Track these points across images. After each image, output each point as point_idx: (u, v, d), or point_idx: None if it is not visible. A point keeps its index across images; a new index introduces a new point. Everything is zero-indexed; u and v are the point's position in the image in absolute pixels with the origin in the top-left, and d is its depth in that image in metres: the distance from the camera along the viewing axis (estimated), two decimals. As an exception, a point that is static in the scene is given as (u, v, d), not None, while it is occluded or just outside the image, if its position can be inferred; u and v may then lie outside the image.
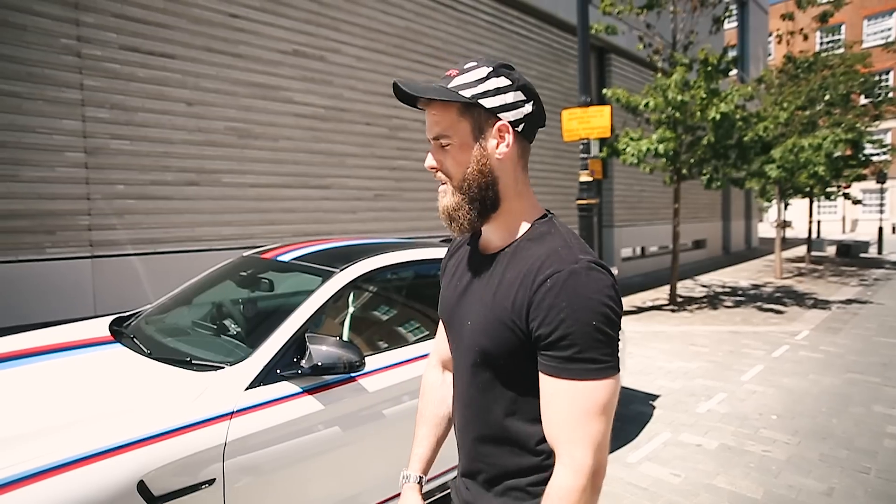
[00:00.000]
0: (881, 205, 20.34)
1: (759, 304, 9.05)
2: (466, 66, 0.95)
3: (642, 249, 12.77)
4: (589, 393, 0.85)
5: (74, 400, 1.74)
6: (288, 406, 1.91)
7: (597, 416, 0.85)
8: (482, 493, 1.02)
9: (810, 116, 11.81)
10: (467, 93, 0.92)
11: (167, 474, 1.57)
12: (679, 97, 7.56)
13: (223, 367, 1.93)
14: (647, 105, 7.89)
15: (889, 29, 27.50)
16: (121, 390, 1.83)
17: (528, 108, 0.96)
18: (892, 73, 26.43)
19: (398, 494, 1.18)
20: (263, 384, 1.91)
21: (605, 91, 8.50)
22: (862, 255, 17.30)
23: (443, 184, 0.99)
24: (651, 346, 6.29)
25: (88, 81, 4.36)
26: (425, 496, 1.18)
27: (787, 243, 21.09)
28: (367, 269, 2.43)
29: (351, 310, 2.47)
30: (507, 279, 0.94)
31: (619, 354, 0.90)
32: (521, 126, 0.96)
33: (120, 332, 2.44)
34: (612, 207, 11.36)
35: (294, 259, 2.65)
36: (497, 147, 0.95)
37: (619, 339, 0.88)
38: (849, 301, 9.26)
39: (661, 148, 7.77)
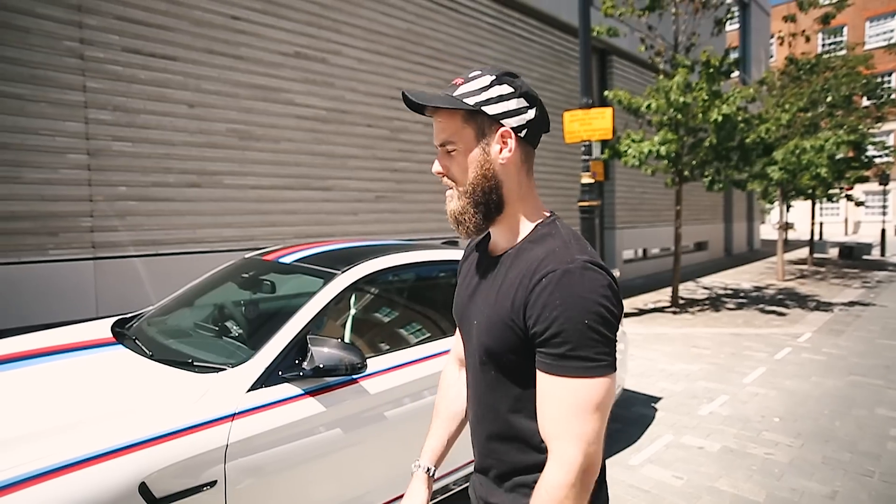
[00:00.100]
0: (884, 206, 20.34)
1: (761, 306, 9.03)
2: (471, 75, 0.99)
3: (644, 251, 12.76)
4: (581, 390, 0.86)
5: (76, 402, 1.74)
6: (290, 408, 1.91)
7: (589, 414, 0.86)
8: (494, 489, 1.05)
9: (812, 118, 11.79)
10: (471, 100, 0.96)
11: (169, 476, 1.57)
12: (681, 99, 7.56)
13: (225, 369, 1.93)
14: (648, 107, 7.89)
15: (891, 31, 27.48)
16: (123, 392, 1.83)
17: (531, 114, 0.99)
18: (894, 75, 26.39)
19: (400, 496, 1.19)
20: (265, 386, 1.91)
21: (606, 93, 8.48)
22: (864, 257, 17.27)
23: (450, 188, 1.02)
24: (653, 348, 6.28)
25: (91, 83, 4.37)
26: (439, 492, 1.19)
27: (790, 245, 21.04)
28: (368, 270, 2.44)
29: (353, 312, 2.47)
30: (509, 280, 0.97)
31: (617, 354, 0.90)
32: (524, 132, 0.99)
33: (122, 333, 2.44)
34: (613, 209, 11.35)
35: (296, 261, 2.65)
36: (500, 152, 0.98)
37: (615, 339, 0.89)
38: (851, 303, 9.24)
39: (662, 150, 7.76)
